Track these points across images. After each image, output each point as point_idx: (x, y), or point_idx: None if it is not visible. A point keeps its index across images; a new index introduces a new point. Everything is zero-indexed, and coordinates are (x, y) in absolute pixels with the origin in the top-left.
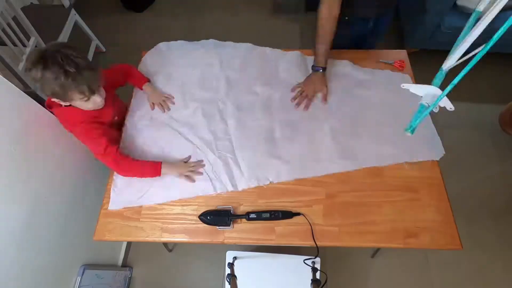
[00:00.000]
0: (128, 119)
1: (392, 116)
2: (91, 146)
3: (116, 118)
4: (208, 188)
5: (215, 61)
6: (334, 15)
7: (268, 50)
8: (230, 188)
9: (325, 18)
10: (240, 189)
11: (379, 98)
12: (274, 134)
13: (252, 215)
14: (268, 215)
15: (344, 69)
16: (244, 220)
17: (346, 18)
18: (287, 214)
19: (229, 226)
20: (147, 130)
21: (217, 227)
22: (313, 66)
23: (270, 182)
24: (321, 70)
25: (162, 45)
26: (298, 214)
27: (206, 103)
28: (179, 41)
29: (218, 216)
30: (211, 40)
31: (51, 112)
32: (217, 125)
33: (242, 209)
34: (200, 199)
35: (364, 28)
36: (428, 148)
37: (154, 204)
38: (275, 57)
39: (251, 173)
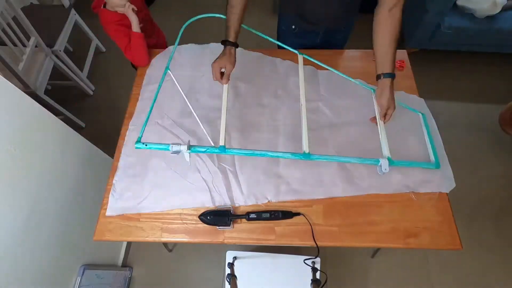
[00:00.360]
0: (134, 121)
1: (402, 142)
2: (118, 43)
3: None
4: (207, 201)
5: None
6: None
7: (278, 60)
8: (228, 203)
9: None
10: (237, 205)
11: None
12: (277, 151)
13: (252, 215)
14: (268, 215)
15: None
16: (244, 220)
17: (293, 27)
18: (287, 214)
19: (229, 226)
20: (150, 135)
21: (217, 227)
22: None
23: (269, 201)
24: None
25: (172, 49)
26: (298, 214)
27: (211, 112)
28: (189, 44)
29: (218, 216)
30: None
31: (97, 13)
32: (220, 136)
33: (242, 209)
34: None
35: (313, 40)
36: (439, 179)
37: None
38: (286, 69)
39: (249, 190)
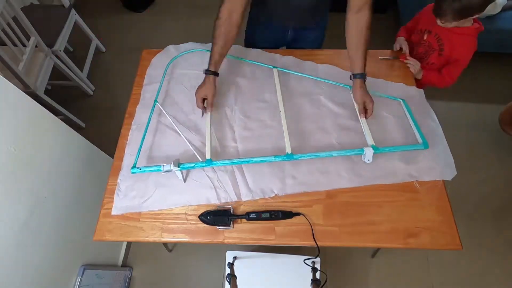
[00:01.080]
0: (136, 120)
1: (404, 131)
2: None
3: None
4: (212, 197)
5: (224, 66)
6: (234, 21)
7: (277, 56)
8: (234, 198)
9: (223, 19)
10: (244, 200)
11: (392, 113)
12: (281, 145)
13: (252, 215)
14: (268, 215)
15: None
16: (244, 220)
17: (262, 18)
18: (287, 214)
19: (229, 226)
20: (152, 133)
21: (217, 227)
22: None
23: (275, 194)
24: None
25: (171, 47)
26: (298, 214)
27: (214, 109)
28: (188, 43)
29: (218, 216)
30: None
31: None
32: (224, 132)
33: (242, 209)
34: None
35: (283, 36)
36: (441, 167)
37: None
38: (285, 64)
39: (255, 184)
